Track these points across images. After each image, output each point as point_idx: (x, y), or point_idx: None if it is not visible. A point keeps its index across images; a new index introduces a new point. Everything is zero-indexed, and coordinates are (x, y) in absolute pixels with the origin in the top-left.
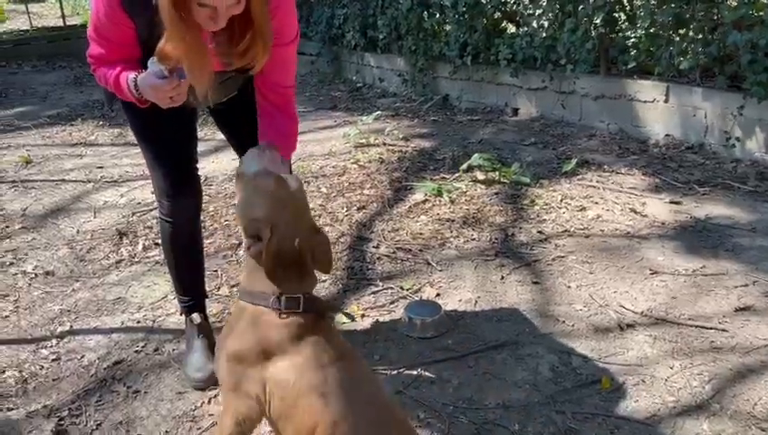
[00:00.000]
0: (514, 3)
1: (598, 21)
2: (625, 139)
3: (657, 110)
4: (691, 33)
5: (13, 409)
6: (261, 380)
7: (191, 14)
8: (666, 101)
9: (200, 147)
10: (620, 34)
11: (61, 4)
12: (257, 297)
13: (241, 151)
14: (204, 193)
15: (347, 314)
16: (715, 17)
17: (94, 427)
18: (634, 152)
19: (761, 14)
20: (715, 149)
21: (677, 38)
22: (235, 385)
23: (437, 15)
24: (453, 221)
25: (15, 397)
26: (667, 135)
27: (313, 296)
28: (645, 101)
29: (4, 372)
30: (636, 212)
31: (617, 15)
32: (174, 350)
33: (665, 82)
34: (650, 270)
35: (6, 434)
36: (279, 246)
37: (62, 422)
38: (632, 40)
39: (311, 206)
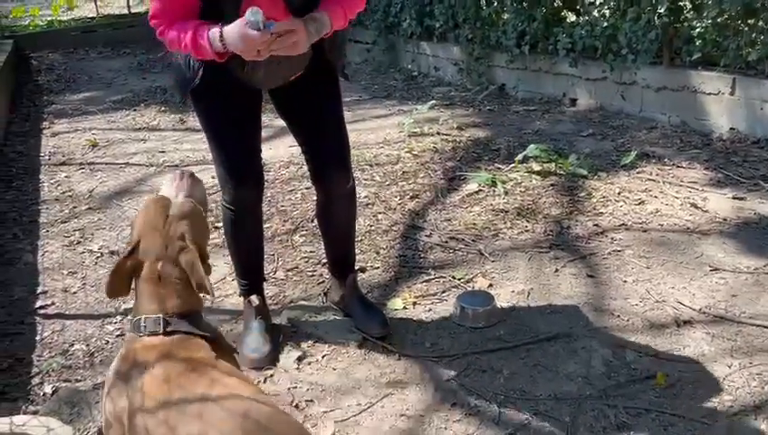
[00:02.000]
0: None
1: (662, 10)
2: (687, 132)
3: (722, 102)
4: (761, 23)
5: (80, 381)
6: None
7: None
8: (731, 93)
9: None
10: (685, 24)
11: None
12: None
13: (299, 138)
14: None
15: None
16: None
17: None
18: (696, 146)
19: None
20: None
21: (746, 28)
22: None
23: (495, 4)
24: (507, 212)
25: (83, 369)
26: (731, 129)
27: (179, 317)
28: (709, 94)
29: (72, 345)
30: (696, 207)
31: (682, 4)
32: (231, 330)
33: (731, 74)
34: (710, 267)
35: (76, 404)
36: (135, 267)
37: None
38: (698, 30)
39: (363, 194)
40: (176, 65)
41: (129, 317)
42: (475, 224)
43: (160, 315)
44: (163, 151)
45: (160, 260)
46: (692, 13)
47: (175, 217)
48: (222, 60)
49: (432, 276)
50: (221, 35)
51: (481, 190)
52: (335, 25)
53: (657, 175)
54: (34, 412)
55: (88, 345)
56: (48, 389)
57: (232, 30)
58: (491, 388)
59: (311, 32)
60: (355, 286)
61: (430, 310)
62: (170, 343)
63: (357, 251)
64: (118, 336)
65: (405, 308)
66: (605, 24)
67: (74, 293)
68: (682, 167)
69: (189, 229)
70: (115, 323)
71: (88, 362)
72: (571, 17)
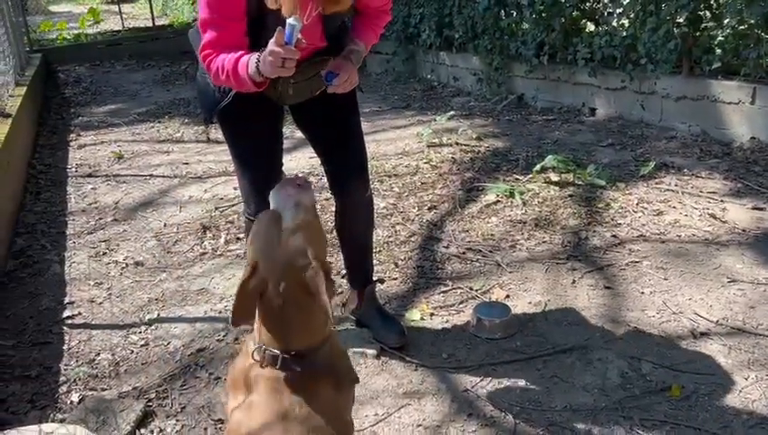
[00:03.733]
0: (594, 1)
1: (681, 19)
2: (707, 141)
3: (743, 112)
4: None
5: (106, 389)
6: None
7: None
8: (752, 102)
9: None
10: (705, 33)
11: (150, 4)
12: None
13: (318, 149)
14: None
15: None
16: None
17: (179, 410)
18: (716, 155)
19: None
20: None
21: (766, 37)
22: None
23: (514, 14)
24: (524, 223)
25: (108, 378)
26: (752, 138)
27: (300, 356)
28: (729, 103)
29: (98, 354)
30: (715, 218)
31: (701, 14)
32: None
33: (751, 84)
34: (728, 278)
35: (102, 412)
36: (263, 289)
37: (150, 404)
38: (718, 39)
39: (382, 205)
40: (203, 85)
41: (251, 334)
42: (492, 235)
43: (278, 354)
44: (187, 163)
45: (282, 282)
46: (712, 22)
47: (289, 229)
48: (261, 88)
49: (449, 287)
50: (257, 60)
51: (499, 201)
52: (369, 47)
53: (675, 185)
54: (62, 420)
55: (113, 355)
56: (75, 397)
57: (263, 54)
58: (507, 399)
59: (355, 65)
60: (373, 297)
61: (447, 321)
62: (280, 380)
63: (375, 262)
64: (142, 346)
65: (422, 319)
66: (624, 33)
67: (100, 303)
68: (701, 177)
69: (307, 242)
70: (140, 333)
71: (113, 371)
72: (591, 27)
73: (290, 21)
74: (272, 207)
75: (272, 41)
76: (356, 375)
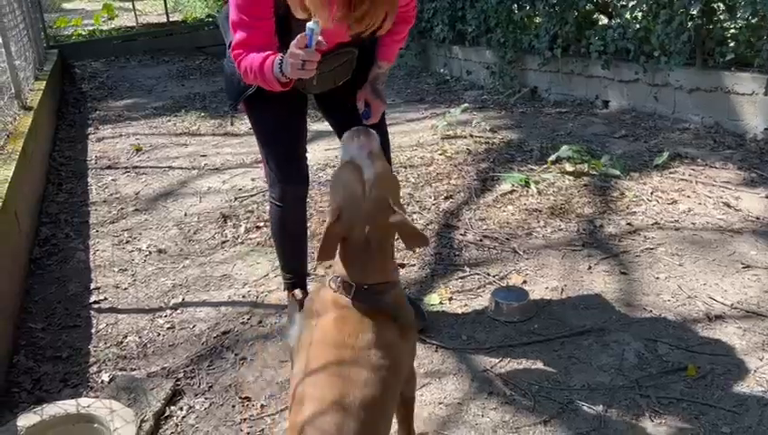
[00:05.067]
0: None
1: (695, 12)
2: (720, 132)
3: (756, 103)
4: None
5: (135, 369)
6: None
7: None
8: (765, 93)
9: None
10: (719, 25)
11: (165, 0)
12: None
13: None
14: None
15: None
16: None
17: (206, 388)
18: (729, 146)
19: None
20: None
21: None
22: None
23: (527, 8)
24: (540, 211)
25: (137, 359)
26: (766, 129)
27: (373, 291)
28: (743, 94)
29: (126, 337)
30: (729, 206)
31: (715, 6)
32: (276, 323)
33: (765, 75)
34: (742, 264)
35: (132, 390)
36: (346, 232)
37: (179, 383)
38: (731, 31)
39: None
40: (229, 73)
41: (331, 272)
42: (508, 223)
43: (353, 284)
44: (204, 155)
45: (367, 225)
46: (725, 14)
47: (371, 179)
48: (287, 88)
49: (467, 273)
50: (281, 61)
51: (514, 190)
52: (392, 62)
53: (689, 175)
54: (95, 397)
55: (140, 337)
56: (105, 377)
57: (286, 55)
58: (526, 378)
59: (381, 93)
60: None
61: (466, 305)
62: (351, 307)
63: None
64: (168, 329)
65: (441, 303)
66: (637, 26)
67: (125, 289)
68: (715, 167)
69: (387, 189)
70: (165, 316)
71: (141, 352)
72: (604, 20)
73: (309, 25)
74: (345, 157)
75: (293, 43)
76: (414, 324)
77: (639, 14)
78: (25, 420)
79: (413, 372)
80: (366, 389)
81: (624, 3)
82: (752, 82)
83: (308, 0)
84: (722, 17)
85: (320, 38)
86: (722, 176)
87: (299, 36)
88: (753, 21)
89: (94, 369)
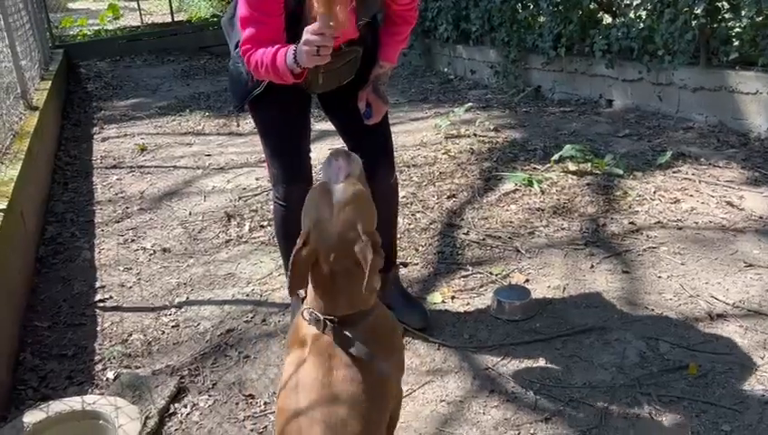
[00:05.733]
0: None
1: (699, 11)
2: (724, 132)
3: (760, 102)
4: None
5: (140, 367)
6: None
7: None
8: None
9: None
10: (723, 24)
11: (170, 0)
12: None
13: (346, 136)
14: None
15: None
16: None
17: (210, 386)
18: (733, 145)
19: None
20: None
21: None
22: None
23: (531, 7)
24: (543, 211)
25: (142, 357)
26: None
27: (343, 323)
28: (747, 93)
29: (131, 335)
30: (732, 205)
31: (719, 5)
32: (279, 321)
33: None
34: (745, 263)
35: (137, 387)
36: (314, 258)
37: (183, 380)
38: (735, 30)
39: (401, 194)
40: (235, 74)
41: (303, 302)
42: (511, 222)
43: (321, 318)
44: (209, 155)
45: (332, 253)
46: (729, 13)
47: (340, 203)
48: (300, 80)
49: (470, 272)
50: (294, 52)
51: (517, 190)
52: (395, 62)
53: (693, 174)
54: (101, 395)
55: (145, 335)
56: (110, 374)
57: (299, 45)
58: (527, 376)
59: (383, 93)
60: (397, 280)
61: (468, 304)
62: (320, 342)
63: (397, 248)
64: (173, 327)
65: (443, 302)
66: (641, 25)
67: (130, 287)
68: (718, 166)
69: (357, 215)
70: (170, 315)
71: (146, 350)
72: (608, 19)
73: (321, 12)
74: (323, 179)
75: (307, 29)
76: (400, 344)
77: (644, 13)
78: (31, 417)
79: (400, 390)
80: (346, 410)
81: (628, 2)
82: (756, 81)
83: None
84: (726, 16)
85: (332, 24)
86: (725, 175)
87: (313, 25)
88: (757, 20)
89: (99, 367)
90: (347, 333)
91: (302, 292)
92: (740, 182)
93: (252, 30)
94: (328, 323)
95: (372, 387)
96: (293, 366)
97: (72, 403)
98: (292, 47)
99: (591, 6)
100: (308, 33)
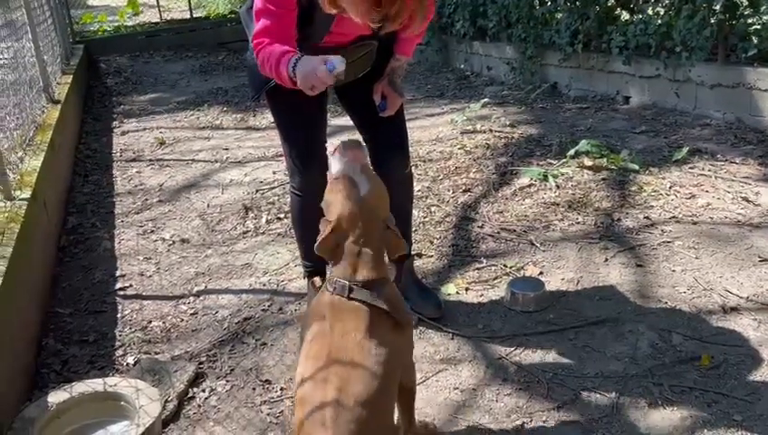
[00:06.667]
0: None
1: (717, 7)
2: (741, 128)
3: None
4: None
5: (159, 353)
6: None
7: None
8: None
9: None
10: (741, 21)
11: None
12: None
13: (362, 127)
14: None
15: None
16: None
17: (228, 371)
18: (750, 142)
19: None
20: None
21: None
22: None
23: (549, 3)
24: (558, 205)
25: (161, 343)
26: None
27: (366, 287)
28: (765, 90)
29: (150, 322)
30: (748, 201)
31: (738, 1)
32: (295, 310)
33: None
34: (759, 258)
35: (156, 372)
36: (340, 241)
37: (201, 366)
38: (754, 26)
39: (417, 188)
40: (253, 65)
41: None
42: (526, 216)
43: (347, 283)
44: (226, 149)
45: (362, 238)
46: (748, 9)
47: (367, 194)
48: (294, 88)
49: (484, 265)
50: (294, 65)
51: (533, 184)
52: (410, 56)
53: (709, 170)
54: (122, 377)
55: (164, 322)
56: (131, 359)
57: (302, 63)
58: (540, 366)
59: (399, 86)
60: (411, 271)
61: (482, 295)
62: (345, 307)
63: (412, 239)
64: (191, 315)
65: (458, 293)
66: (659, 21)
67: (150, 276)
68: (735, 162)
69: (379, 203)
70: (188, 303)
71: (165, 337)
72: (625, 15)
73: (337, 60)
74: (337, 170)
75: (320, 67)
76: (411, 320)
77: (661, 9)
78: (55, 397)
79: (412, 363)
80: (361, 383)
81: None
82: None
83: None
84: (745, 12)
85: (341, 70)
86: (742, 171)
87: (323, 66)
88: None
89: (120, 352)
90: (375, 293)
91: (317, 280)
92: (756, 178)
93: (266, 22)
94: (354, 286)
95: (388, 347)
96: (315, 335)
97: (95, 385)
98: (296, 56)
99: (609, 3)
100: (316, 69)
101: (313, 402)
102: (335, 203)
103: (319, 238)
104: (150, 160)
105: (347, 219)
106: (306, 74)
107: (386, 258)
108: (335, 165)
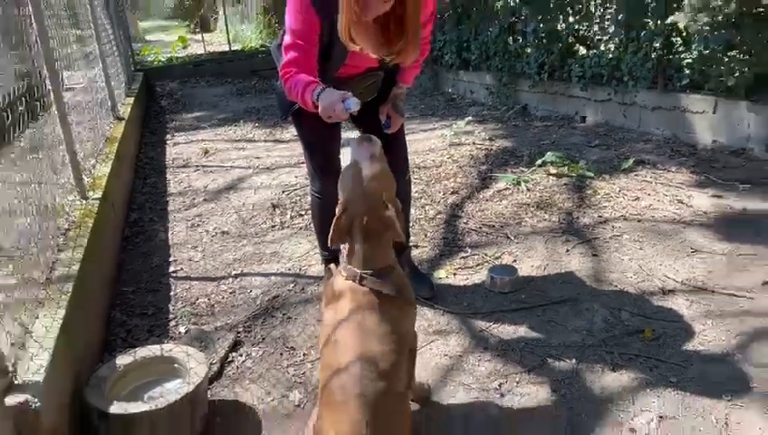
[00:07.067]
0: (585, 29)
1: (657, 44)
2: (677, 143)
3: (707, 120)
4: (738, 56)
5: (204, 324)
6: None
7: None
8: (714, 112)
9: None
10: (677, 56)
11: (228, 34)
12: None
13: None
14: None
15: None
16: (765, 41)
17: (261, 340)
18: (684, 154)
19: None
20: (757, 154)
21: (726, 59)
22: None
23: (520, 40)
24: (528, 205)
25: (206, 316)
26: (714, 141)
27: (376, 275)
28: (695, 112)
29: (197, 299)
30: (682, 203)
31: (674, 40)
32: (315, 290)
33: (714, 97)
34: (692, 249)
35: (202, 340)
36: (349, 223)
37: (239, 335)
38: (687, 61)
39: (413, 191)
40: (280, 93)
41: (343, 254)
42: (503, 214)
43: (359, 272)
44: (258, 157)
45: (365, 216)
46: (682, 46)
47: (368, 177)
48: (316, 111)
49: (468, 254)
50: (318, 96)
51: (508, 188)
52: (410, 84)
53: (650, 177)
54: (175, 344)
55: (209, 299)
56: (182, 329)
57: (326, 95)
58: (514, 337)
59: (400, 108)
60: (409, 259)
61: (467, 279)
62: (358, 292)
63: (410, 233)
64: (230, 294)
65: (447, 277)
66: (610, 55)
67: (196, 261)
68: (671, 171)
69: (381, 186)
70: (228, 283)
71: (209, 311)
72: (582, 50)
73: (353, 101)
74: (351, 158)
75: (338, 100)
76: (413, 299)
77: (612, 45)
78: (122, 360)
79: (414, 334)
80: (375, 353)
81: (599, 37)
82: (703, 102)
83: (355, 32)
84: (679, 49)
85: (355, 109)
86: (677, 178)
87: (340, 104)
88: (704, 53)
89: (173, 323)
90: (382, 281)
91: (333, 266)
92: (689, 184)
93: (294, 54)
94: (365, 275)
95: (396, 323)
96: (333, 317)
97: (154, 350)
98: (319, 88)
99: (569, 40)
100: (335, 105)
101: (338, 365)
102: (344, 184)
103: (334, 221)
104: (196, 167)
105: (353, 197)
106: (326, 107)
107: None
108: (350, 153)
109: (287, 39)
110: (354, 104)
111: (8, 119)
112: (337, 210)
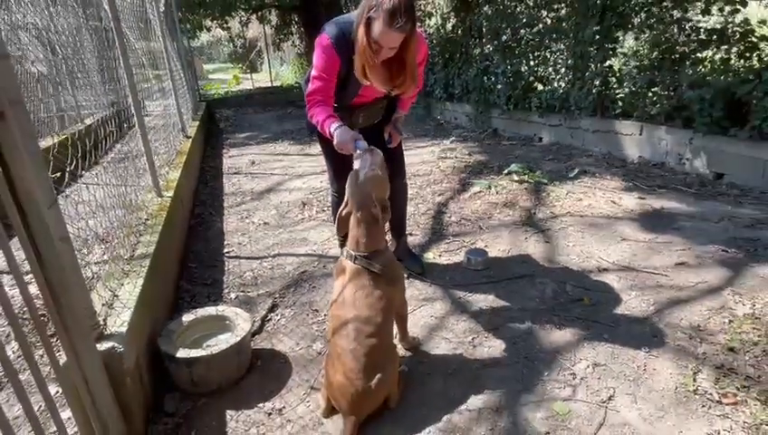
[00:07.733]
0: (543, 70)
1: (597, 82)
2: (611, 158)
3: (634, 140)
4: (659, 91)
5: (250, 292)
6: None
7: (371, 46)
8: (640, 134)
9: None
10: (612, 91)
11: (270, 72)
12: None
13: None
14: None
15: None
16: (676, 82)
17: (292, 304)
18: (616, 166)
19: (708, 79)
20: (672, 166)
21: (650, 94)
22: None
23: (493, 79)
24: (497, 204)
25: (252, 286)
26: (639, 156)
27: (366, 257)
28: (626, 135)
29: (245, 273)
30: (615, 203)
31: (610, 79)
32: (333, 267)
33: (640, 123)
34: (621, 237)
35: (249, 304)
36: (348, 216)
37: (276, 300)
38: (620, 95)
39: (409, 192)
40: (309, 117)
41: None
42: (477, 211)
43: (354, 254)
44: (292, 167)
45: (359, 211)
46: (616, 84)
47: (362, 182)
48: (331, 138)
49: (451, 240)
50: (334, 131)
51: (482, 191)
52: (407, 111)
53: (591, 184)
54: (227, 306)
55: (253, 273)
56: (233, 296)
57: (344, 132)
58: (485, 303)
59: (400, 129)
60: (405, 244)
61: (450, 259)
62: (353, 268)
63: (406, 224)
64: (269, 269)
65: (434, 258)
66: (561, 90)
67: (245, 245)
68: (607, 179)
69: (372, 188)
70: (268, 261)
71: (254, 282)
72: (540, 87)
73: (362, 144)
74: (355, 167)
75: (350, 140)
76: (400, 275)
77: (563, 83)
78: (187, 317)
79: (404, 301)
80: (368, 312)
81: (553, 76)
82: (632, 127)
83: (368, 71)
84: (614, 86)
85: (362, 151)
86: (611, 185)
87: (354, 148)
88: (633, 89)
89: (226, 291)
90: (370, 261)
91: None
92: (620, 189)
93: (317, 84)
94: (358, 256)
95: (384, 293)
96: (339, 285)
97: (211, 310)
98: (336, 123)
99: (530, 79)
100: (347, 144)
101: (339, 321)
102: (347, 187)
103: (337, 214)
104: (246, 174)
105: (351, 197)
106: (339, 142)
107: (386, 235)
108: (355, 164)
109: (313, 73)
110: (363, 146)
111: (102, 135)
112: (341, 207)
